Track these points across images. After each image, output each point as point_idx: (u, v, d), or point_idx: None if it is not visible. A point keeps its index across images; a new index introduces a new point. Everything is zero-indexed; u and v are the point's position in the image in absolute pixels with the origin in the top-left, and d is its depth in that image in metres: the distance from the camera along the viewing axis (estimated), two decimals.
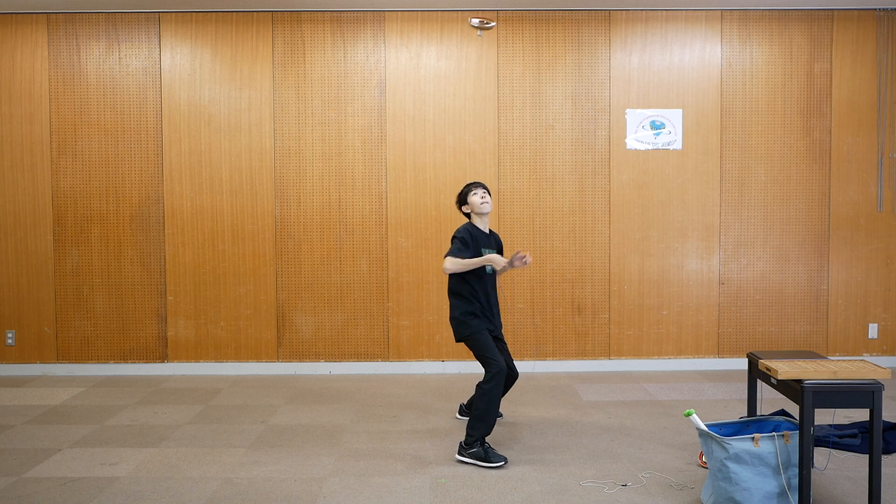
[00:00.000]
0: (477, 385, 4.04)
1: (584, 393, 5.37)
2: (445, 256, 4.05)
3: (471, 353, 4.06)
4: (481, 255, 4.12)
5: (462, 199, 4.29)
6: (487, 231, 4.28)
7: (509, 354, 4.34)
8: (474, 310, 4.11)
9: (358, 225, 6.02)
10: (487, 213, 4.27)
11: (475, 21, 4.71)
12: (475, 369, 5.96)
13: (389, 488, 3.59)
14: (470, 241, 4.12)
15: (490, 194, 4.29)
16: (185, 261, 6.02)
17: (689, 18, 6.04)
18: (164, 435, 4.46)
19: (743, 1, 5.89)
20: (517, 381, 5.58)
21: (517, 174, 6.01)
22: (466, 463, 3.90)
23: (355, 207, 6.01)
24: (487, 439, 4.11)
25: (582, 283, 6.04)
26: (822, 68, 6.06)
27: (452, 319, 4.16)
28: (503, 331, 4.44)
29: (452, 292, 4.17)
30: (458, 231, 4.18)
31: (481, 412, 3.91)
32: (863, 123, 6.06)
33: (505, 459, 3.87)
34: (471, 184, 4.31)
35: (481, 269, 4.14)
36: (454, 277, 4.15)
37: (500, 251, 4.37)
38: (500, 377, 3.92)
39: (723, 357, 6.11)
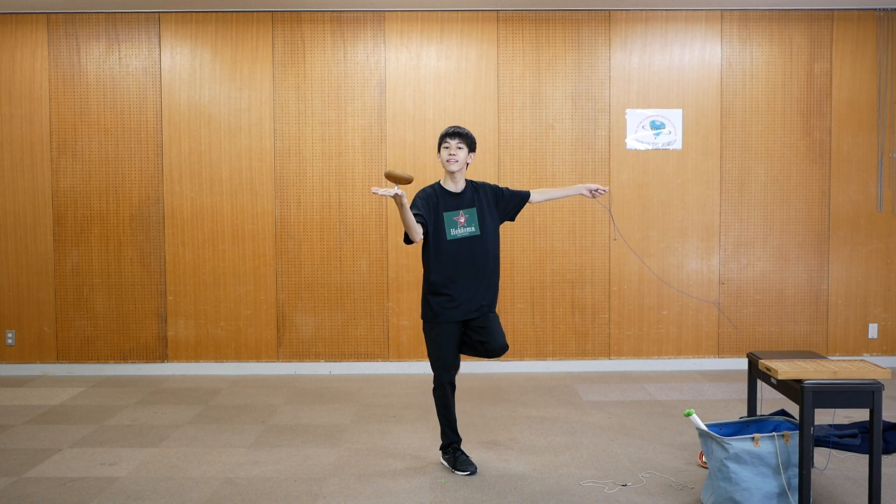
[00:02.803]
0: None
1: (584, 393, 5.37)
2: None
3: (470, 353, 3.83)
4: (442, 222, 3.56)
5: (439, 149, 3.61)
6: (460, 190, 3.65)
7: (491, 334, 3.69)
8: (433, 284, 3.65)
9: (358, 225, 6.02)
10: (455, 172, 3.57)
11: None
12: (474, 369, 5.96)
13: (389, 488, 3.59)
14: (423, 207, 3.54)
15: (468, 145, 3.56)
16: (185, 261, 6.02)
17: (689, 18, 6.03)
18: (164, 435, 4.46)
19: (743, 1, 5.89)
20: (522, 379, 5.56)
21: (517, 174, 6.01)
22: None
23: (355, 207, 6.01)
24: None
25: (582, 283, 6.04)
26: (822, 68, 6.06)
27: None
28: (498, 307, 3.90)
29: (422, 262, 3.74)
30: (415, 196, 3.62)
31: (439, 418, 3.85)
32: (863, 123, 6.06)
33: (472, 469, 3.72)
34: (445, 133, 3.59)
35: (441, 239, 3.59)
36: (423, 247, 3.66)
37: (489, 206, 3.70)
38: (441, 389, 3.77)
39: (723, 357, 6.11)
